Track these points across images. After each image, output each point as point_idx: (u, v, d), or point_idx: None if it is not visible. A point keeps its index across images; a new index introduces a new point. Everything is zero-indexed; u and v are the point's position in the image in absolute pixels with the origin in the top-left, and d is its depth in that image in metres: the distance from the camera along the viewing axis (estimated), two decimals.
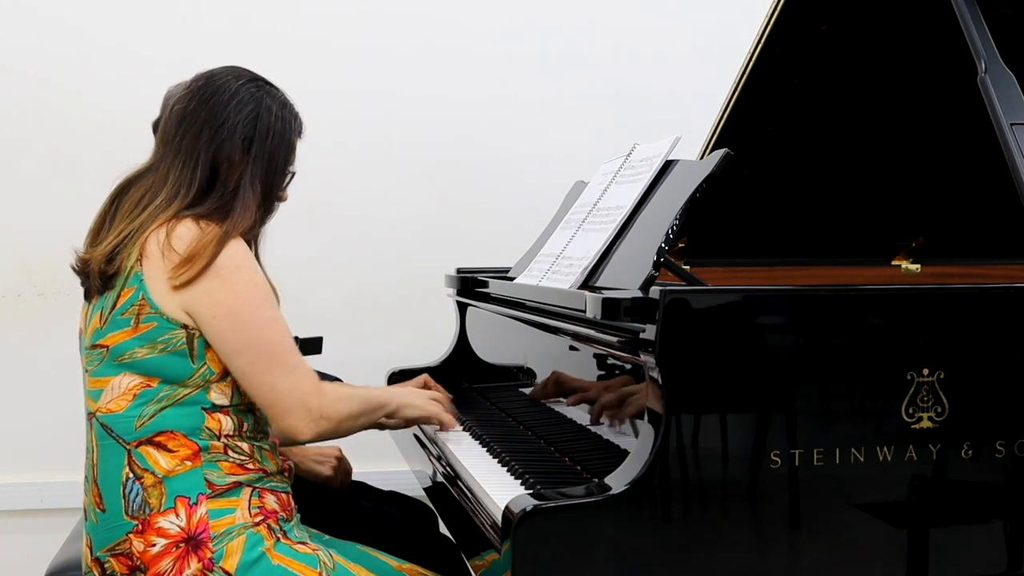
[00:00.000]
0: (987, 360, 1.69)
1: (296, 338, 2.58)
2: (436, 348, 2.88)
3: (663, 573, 1.56)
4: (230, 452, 1.78)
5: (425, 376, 2.35)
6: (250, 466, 1.79)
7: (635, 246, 1.96)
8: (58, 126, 3.31)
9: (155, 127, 1.91)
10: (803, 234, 2.75)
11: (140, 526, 1.73)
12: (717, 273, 2.56)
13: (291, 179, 1.94)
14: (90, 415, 1.81)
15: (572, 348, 2.01)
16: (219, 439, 1.77)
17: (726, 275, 2.57)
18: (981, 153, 2.10)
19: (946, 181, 2.60)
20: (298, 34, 3.36)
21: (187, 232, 1.73)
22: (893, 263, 2.74)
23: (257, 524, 1.76)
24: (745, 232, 2.75)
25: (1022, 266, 2.54)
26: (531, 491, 1.63)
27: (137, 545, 1.72)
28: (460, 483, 1.90)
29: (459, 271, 2.79)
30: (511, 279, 2.47)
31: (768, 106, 2.56)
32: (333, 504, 2.28)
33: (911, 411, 1.65)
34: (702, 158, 2.34)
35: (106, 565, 1.76)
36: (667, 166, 2.06)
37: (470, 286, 2.70)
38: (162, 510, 1.72)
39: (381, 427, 2.03)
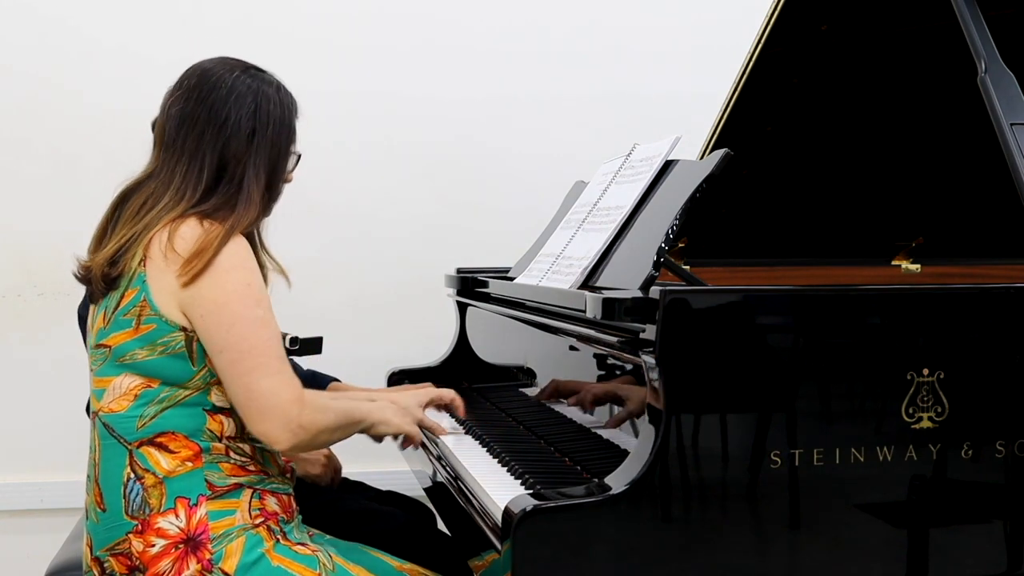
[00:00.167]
0: (987, 360, 1.69)
1: (296, 338, 2.58)
2: (436, 348, 2.88)
3: (663, 573, 1.56)
4: (231, 454, 1.77)
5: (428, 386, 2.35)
6: (251, 468, 1.79)
7: (635, 246, 1.96)
8: (58, 126, 3.31)
9: (154, 127, 1.89)
10: (803, 234, 2.75)
11: (140, 526, 1.73)
12: (717, 273, 2.56)
13: (298, 161, 1.92)
14: (93, 414, 1.81)
15: (572, 348, 2.01)
16: (220, 440, 1.76)
17: (726, 275, 2.57)
18: (981, 153, 2.10)
19: (946, 181, 2.60)
20: (298, 34, 3.36)
21: (190, 232, 1.72)
22: (893, 263, 2.74)
23: (257, 525, 1.76)
24: (745, 232, 2.75)
25: (1022, 266, 2.54)
26: (531, 491, 1.63)
27: (136, 545, 1.72)
28: (460, 483, 1.90)
29: (459, 271, 2.79)
30: (511, 279, 2.47)
31: (768, 106, 2.56)
32: (334, 504, 2.28)
33: (911, 411, 1.65)
34: (702, 158, 2.34)
35: (106, 565, 1.76)
36: (667, 166, 2.06)
37: (470, 286, 2.70)
38: (162, 510, 1.72)
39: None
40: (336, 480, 2.36)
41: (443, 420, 2.29)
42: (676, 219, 1.84)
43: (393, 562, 1.92)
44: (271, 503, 1.80)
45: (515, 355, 2.43)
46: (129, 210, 1.79)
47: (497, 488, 1.77)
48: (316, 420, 1.75)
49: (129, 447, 1.74)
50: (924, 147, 2.58)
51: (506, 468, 1.92)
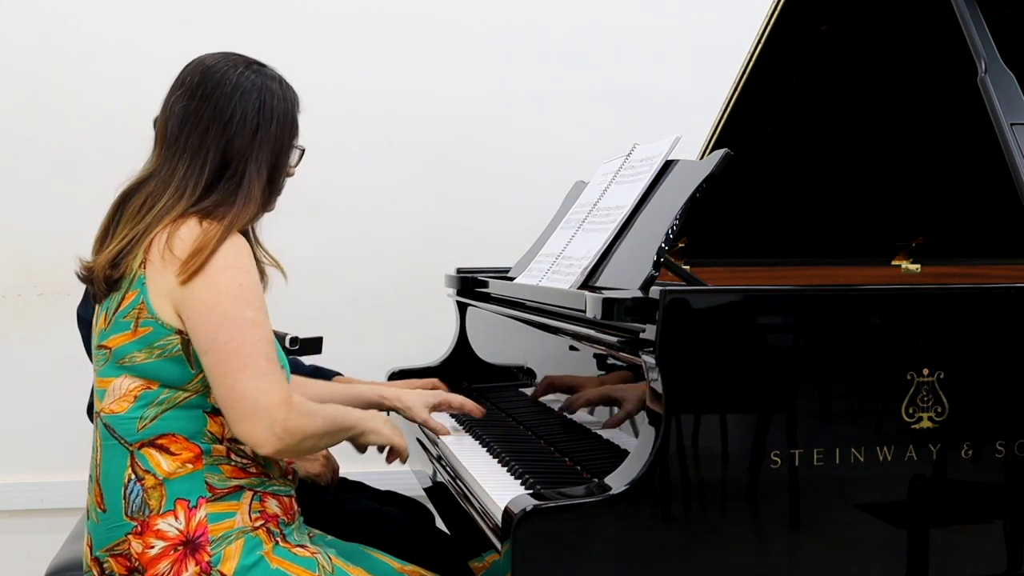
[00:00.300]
0: (987, 360, 1.69)
1: (296, 338, 2.58)
2: (436, 348, 2.88)
3: (663, 573, 1.56)
4: (233, 456, 1.76)
5: (435, 381, 2.34)
6: (252, 470, 1.78)
7: (635, 246, 1.96)
8: (58, 126, 3.31)
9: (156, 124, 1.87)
10: (803, 234, 2.75)
11: (139, 527, 1.72)
12: (717, 273, 2.56)
13: (301, 155, 1.91)
14: (96, 414, 1.81)
15: (572, 348, 2.01)
16: (221, 443, 1.75)
17: (726, 275, 2.57)
18: (981, 153, 2.10)
19: (946, 181, 2.60)
20: (298, 34, 3.36)
21: (188, 233, 1.71)
22: (893, 263, 2.74)
23: (256, 528, 1.76)
24: (745, 232, 2.75)
25: (1022, 266, 2.54)
26: (531, 491, 1.63)
27: (136, 546, 1.72)
28: (460, 483, 1.90)
29: (459, 271, 2.79)
30: (511, 279, 2.47)
31: (768, 106, 2.56)
32: (334, 504, 2.28)
33: (911, 411, 1.65)
34: (702, 158, 2.34)
35: (105, 565, 1.76)
36: (667, 166, 2.06)
37: (470, 286, 2.70)
38: (161, 512, 1.72)
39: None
40: (334, 479, 2.36)
41: (444, 420, 2.29)
42: (676, 219, 1.84)
43: (393, 563, 1.92)
44: (272, 505, 1.80)
45: (515, 355, 2.43)
46: (130, 210, 1.78)
47: (497, 488, 1.78)
48: (302, 424, 1.71)
49: (130, 448, 1.74)
50: (924, 147, 2.58)
51: (506, 468, 1.92)
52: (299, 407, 1.71)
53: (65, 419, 3.02)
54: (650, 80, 3.53)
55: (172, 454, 1.73)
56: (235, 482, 1.76)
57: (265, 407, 1.66)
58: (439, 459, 2.11)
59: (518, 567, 1.50)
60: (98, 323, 1.81)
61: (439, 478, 2.11)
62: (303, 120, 1.93)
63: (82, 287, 2.25)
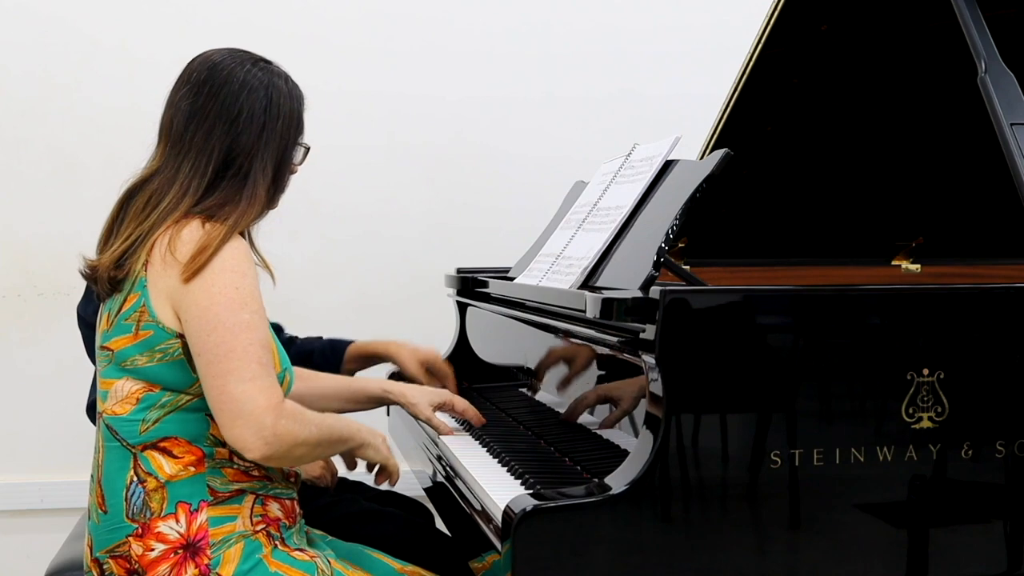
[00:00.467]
0: (987, 360, 1.69)
1: (296, 338, 2.58)
2: (436, 348, 2.88)
3: (663, 573, 1.56)
4: (235, 459, 1.75)
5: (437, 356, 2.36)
6: (255, 473, 1.77)
7: (635, 246, 1.96)
8: (58, 126, 3.32)
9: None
10: (803, 234, 2.75)
11: (140, 529, 1.72)
12: (717, 273, 2.56)
13: (306, 153, 1.90)
14: (99, 415, 1.80)
15: (568, 358, 2.01)
16: (224, 446, 1.73)
17: (726, 275, 2.57)
18: (981, 153, 2.10)
19: (946, 181, 2.60)
20: (298, 34, 3.37)
21: (190, 235, 1.70)
22: (893, 263, 2.74)
23: (257, 532, 1.75)
24: (745, 232, 2.75)
25: (1022, 266, 2.54)
26: (531, 491, 1.63)
27: (136, 549, 1.72)
28: (460, 483, 1.90)
29: (459, 271, 2.79)
30: (511, 279, 2.47)
31: (768, 106, 2.56)
32: (333, 505, 2.28)
33: (911, 411, 1.65)
34: (702, 158, 2.34)
35: (105, 567, 1.75)
36: (667, 166, 2.06)
37: (470, 286, 2.70)
38: (163, 515, 1.71)
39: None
40: (334, 481, 2.36)
41: (445, 420, 2.29)
42: (676, 219, 1.84)
43: (394, 563, 1.91)
44: (274, 508, 1.79)
45: (515, 355, 2.43)
46: (135, 208, 1.77)
47: (497, 488, 1.77)
48: (293, 431, 1.68)
49: (133, 450, 1.73)
50: (924, 147, 2.58)
51: (506, 468, 1.92)
52: (291, 413, 1.68)
53: (65, 419, 3.02)
54: (650, 80, 3.53)
55: (175, 457, 1.72)
56: (237, 485, 1.75)
57: (252, 411, 1.64)
58: (439, 459, 2.11)
59: (518, 567, 1.50)
60: (101, 324, 1.80)
61: (439, 478, 2.11)
62: (305, 119, 1.92)
63: (81, 287, 2.25)
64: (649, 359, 1.60)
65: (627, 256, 1.96)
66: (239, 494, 1.75)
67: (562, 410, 2.07)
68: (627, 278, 1.85)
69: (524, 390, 2.34)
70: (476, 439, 2.17)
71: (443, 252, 3.33)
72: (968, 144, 2.33)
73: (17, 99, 3.30)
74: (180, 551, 1.70)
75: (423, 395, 2.19)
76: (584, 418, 1.96)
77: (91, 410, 2.26)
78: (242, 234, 1.78)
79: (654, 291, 1.61)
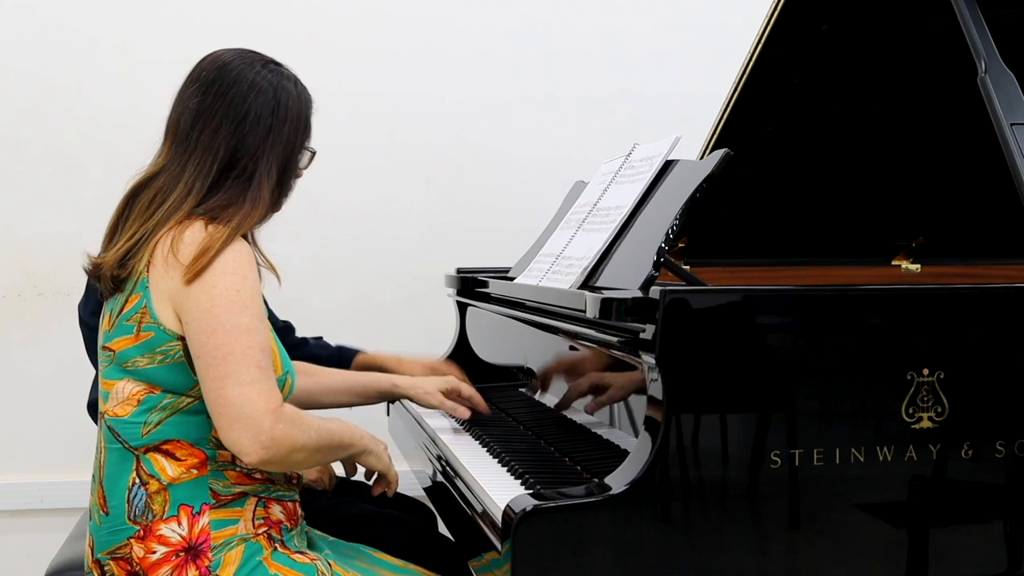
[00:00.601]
0: (987, 360, 1.69)
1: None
2: (436, 348, 2.88)
3: (663, 573, 1.56)
4: (237, 462, 1.73)
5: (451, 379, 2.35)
6: (257, 476, 1.76)
7: (635, 246, 1.96)
8: (58, 126, 3.32)
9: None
10: (803, 234, 2.75)
11: (142, 532, 1.71)
12: (717, 273, 2.56)
13: (312, 157, 1.89)
14: (100, 415, 1.80)
15: (572, 348, 2.01)
16: (226, 448, 1.74)
17: (726, 275, 2.57)
18: (981, 153, 2.10)
19: (946, 181, 2.60)
20: (298, 34, 3.36)
21: (192, 237, 1.69)
22: (893, 263, 2.74)
23: (258, 534, 1.75)
24: (745, 232, 2.75)
25: (1022, 266, 2.54)
26: (531, 491, 1.63)
27: (137, 551, 1.71)
28: (460, 483, 1.90)
29: (459, 271, 2.79)
30: (511, 279, 2.47)
31: (768, 106, 2.56)
32: (333, 508, 2.28)
33: (911, 411, 1.65)
34: (702, 158, 2.34)
35: (106, 568, 1.75)
36: (667, 166, 2.06)
37: (470, 286, 2.70)
38: (164, 517, 1.71)
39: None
40: (332, 484, 2.35)
41: (442, 421, 2.29)
42: (676, 219, 1.84)
43: (395, 563, 1.91)
44: (276, 511, 1.78)
45: (515, 355, 2.43)
46: (140, 206, 1.76)
47: (497, 488, 1.77)
48: (291, 436, 1.67)
49: (135, 453, 1.73)
50: (924, 147, 2.58)
51: (506, 468, 1.92)
52: (290, 418, 1.68)
53: (65, 419, 3.02)
54: (650, 80, 3.53)
55: (177, 459, 1.72)
56: (240, 488, 1.75)
57: (250, 415, 1.63)
58: (439, 459, 2.11)
59: (518, 567, 1.50)
60: (103, 324, 1.80)
61: (439, 478, 2.11)
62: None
63: (81, 287, 2.25)
64: (649, 359, 1.60)
65: (627, 256, 1.96)
66: (241, 497, 1.75)
67: (563, 411, 2.07)
68: (627, 278, 1.85)
69: (524, 390, 2.34)
70: (476, 439, 2.17)
71: (443, 252, 3.33)
72: (968, 144, 2.33)
73: (17, 99, 3.30)
74: (181, 554, 1.70)
75: (433, 384, 2.25)
76: (584, 418, 1.96)
77: (92, 408, 2.26)
78: (245, 236, 1.78)
79: (654, 291, 1.61)
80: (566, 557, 1.52)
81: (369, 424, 2.18)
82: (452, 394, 2.25)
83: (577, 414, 2.00)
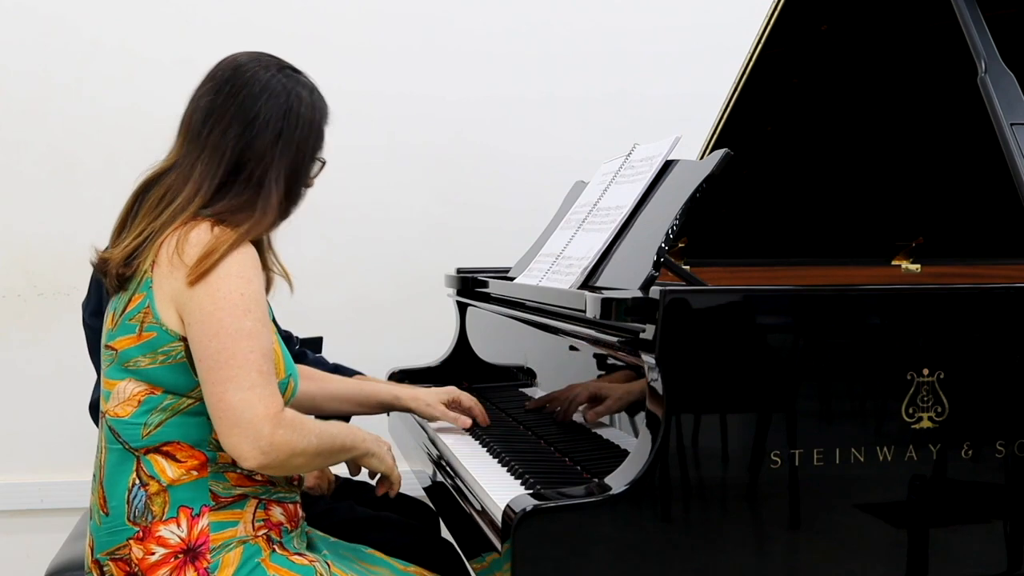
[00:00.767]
0: (987, 360, 1.69)
1: (296, 338, 2.58)
2: (436, 348, 2.88)
3: (663, 573, 1.56)
4: (238, 463, 1.75)
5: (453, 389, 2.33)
6: (258, 477, 1.76)
7: (635, 246, 1.96)
8: (58, 126, 3.32)
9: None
10: (803, 234, 2.75)
11: (141, 533, 1.71)
12: (717, 273, 2.56)
13: (321, 168, 1.89)
14: (102, 414, 1.79)
15: (572, 348, 2.01)
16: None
17: (726, 275, 2.57)
18: (981, 153, 2.10)
19: (946, 181, 2.60)
20: (298, 34, 3.36)
21: (198, 238, 1.68)
22: (893, 263, 2.74)
23: (257, 536, 1.75)
24: (745, 232, 2.75)
25: (1022, 266, 2.54)
26: (531, 491, 1.63)
27: (136, 552, 1.71)
28: (460, 483, 1.90)
29: (459, 271, 2.79)
30: (511, 279, 2.47)
31: (768, 106, 2.56)
32: (333, 511, 2.27)
33: (911, 411, 1.65)
34: (702, 158, 2.34)
35: (105, 568, 1.75)
36: (667, 166, 2.06)
37: (470, 286, 2.70)
38: (164, 519, 1.70)
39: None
40: (330, 489, 2.35)
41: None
42: (676, 219, 1.84)
43: (396, 563, 1.91)
44: (276, 513, 1.78)
45: (515, 355, 2.43)
46: (149, 202, 1.76)
47: (497, 488, 1.77)
48: (291, 441, 1.66)
49: (136, 454, 1.72)
50: (924, 147, 2.58)
51: (506, 468, 1.92)
52: (290, 423, 1.67)
53: (65, 419, 3.02)
54: (650, 80, 3.53)
55: (178, 461, 1.72)
56: (240, 490, 1.75)
57: (251, 420, 1.63)
58: (439, 459, 2.11)
59: (518, 567, 1.50)
60: (106, 323, 1.80)
61: (439, 478, 2.11)
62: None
63: (82, 287, 2.25)
64: (649, 359, 1.60)
65: (627, 256, 1.96)
66: (241, 499, 1.75)
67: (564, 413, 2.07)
68: (627, 278, 1.85)
69: (524, 390, 2.34)
70: (476, 439, 2.17)
71: (443, 252, 3.33)
72: (968, 144, 2.33)
73: (17, 99, 3.30)
74: (180, 555, 1.70)
75: (434, 395, 2.26)
76: (584, 418, 1.96)
77: (93, 409, 2.25)
78: (258, 242, 1.78)
79: (654, 291, 1.60)
80: (566, 557, 1.52)
81: (369, 424, 2.19)
82: (453, 405, 2.25)
83: (577, 414, 2.00)
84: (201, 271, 1.66)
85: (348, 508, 2.32)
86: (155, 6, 3.34)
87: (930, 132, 2.53)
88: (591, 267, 2.01)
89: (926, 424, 1.65)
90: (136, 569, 1.71)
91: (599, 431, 1.89)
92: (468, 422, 2.23)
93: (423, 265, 3.35)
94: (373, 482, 2.02)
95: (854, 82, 2.56)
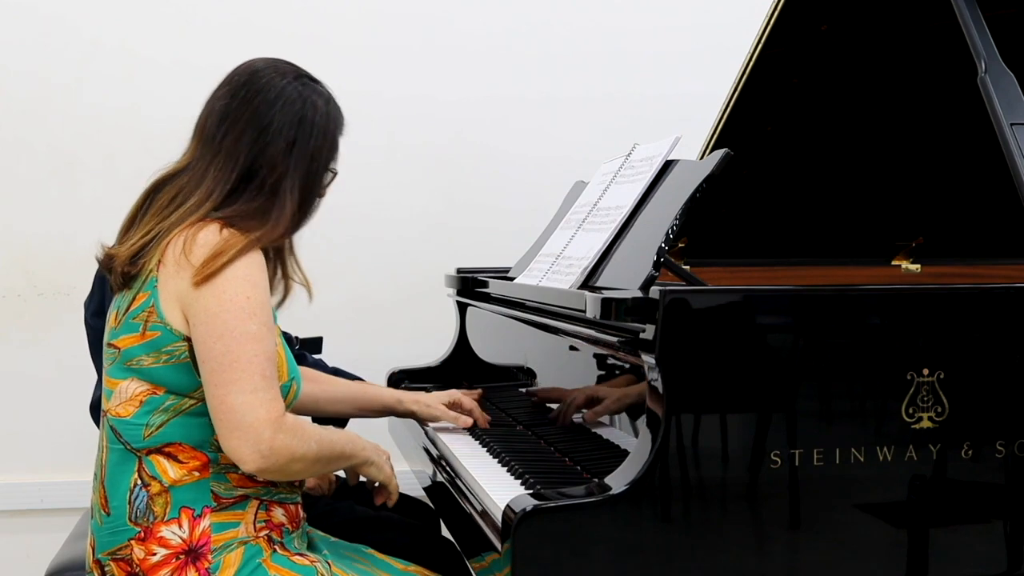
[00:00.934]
0: (987, 360, 1.69)
1: (296, 338, 2.58)
2: (436, 348, 2.88)
3: (663, 573, 1.56)
4: None
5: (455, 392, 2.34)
6: (259, 478, 1.76)
7: (635, 246, 1.96)
8: (58, 126, 3.31)
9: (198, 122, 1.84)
10: (803, 234, 2.75)
11: (142, 533, 1.71)
12: (717, 273, 2.56)
13: (333, 178, 1.88)
14: (103, 413, 1.79)
15: (572, 348, 2.01)
16: None
17: (726, 275, 2.57)
18: (981, 153, 2.10)
19: (946, 181, 2.61)
20: (298, 34, 3.36)
21: (206, 239, 1.68)
22: (893, 263, 2.74)
23: (258, 537, 1.75)
24: (745, 232, 2.75)
25: (1022, 266, 2.54)
26: (531, 491, 1.63)
27: (138, 552, 1.71)
28: (460, 483, 1.90)
29: (459, 271, 2.79)
30: (511, 279, 2.47)
31: (768, 106, 2.56)
32: (333, 512, 2.27)
33: (911, 411, 1.65)
34: (702, 158, 2.34)
35: (106, 568, 1.75)
36: (667, 166, 2.06)
37: (470, 286, 2.70)
38: (166, 519, 1.70)
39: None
40: (331, 490, 2.35)
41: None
42: (676, 219, 1.84)
43: (396, 563, 1.91)
44: (278, 514, 1.78)
45: (515, 355, 2.43)
46: (159, 202, 1.76)
47: (497, 488, 1.77)
48: (291, 446, 1.66)
49: (137, 454, 1.72)
50: (924, 147, 2.58)
51: (506, 468, 1.92)
52: (291, 428, 1.67)
53: (65, 419, 3.02)
54: (650, 80, 3.53)
55: (179, 462, 1.72)
56: (241, 491, 1.74)
57: (252, 424, 1.63)
58: (439, 459, 2.11)
59: (518, 567, 1.50)
60: (109, 321, 1.79)
61: (439, 478, 2.11)
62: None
63: (82, 287, 2.25)
64: (649, 359, 1.60)
65: (627, 256, 1.96)
66: (243, 500, 1.75)
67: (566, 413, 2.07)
68: (627, 278, 1.85)
69: (524, 390, 2.34)
70: (476, 439, 2.17)
71: (443, 252, 3.33)
72: (968, 144, 2.33)
73: (17, 99, 3.30)
74: (181, 556, 1.70)
75: (435, 397, 2.28)
76: (584, 418, 1.96)
77: (94, 409, 2.25)
78: (280, 248, 1.77)
79: (654, 291, 1.61)
80: (566, 557, 1.52)
81: (369, 428, 2.19)
82: (454, 406, 2.27)
83: (577, 414, 2.00)
84: (208, 272, 1.66)
85: (348, 508, 2.31)
86: (155, 6, 3.34)
87: (930, 132, 2.53)
88: (591, 267, 2.01)
89: (926, 424, 1.65)
90: (137, 569, 1.71)
91: (599, 431, 1.89)
92: (469, 421, 2.24)
93: (423, 265, 3.35)
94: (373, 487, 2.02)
95: (854, 82, 2.56)
